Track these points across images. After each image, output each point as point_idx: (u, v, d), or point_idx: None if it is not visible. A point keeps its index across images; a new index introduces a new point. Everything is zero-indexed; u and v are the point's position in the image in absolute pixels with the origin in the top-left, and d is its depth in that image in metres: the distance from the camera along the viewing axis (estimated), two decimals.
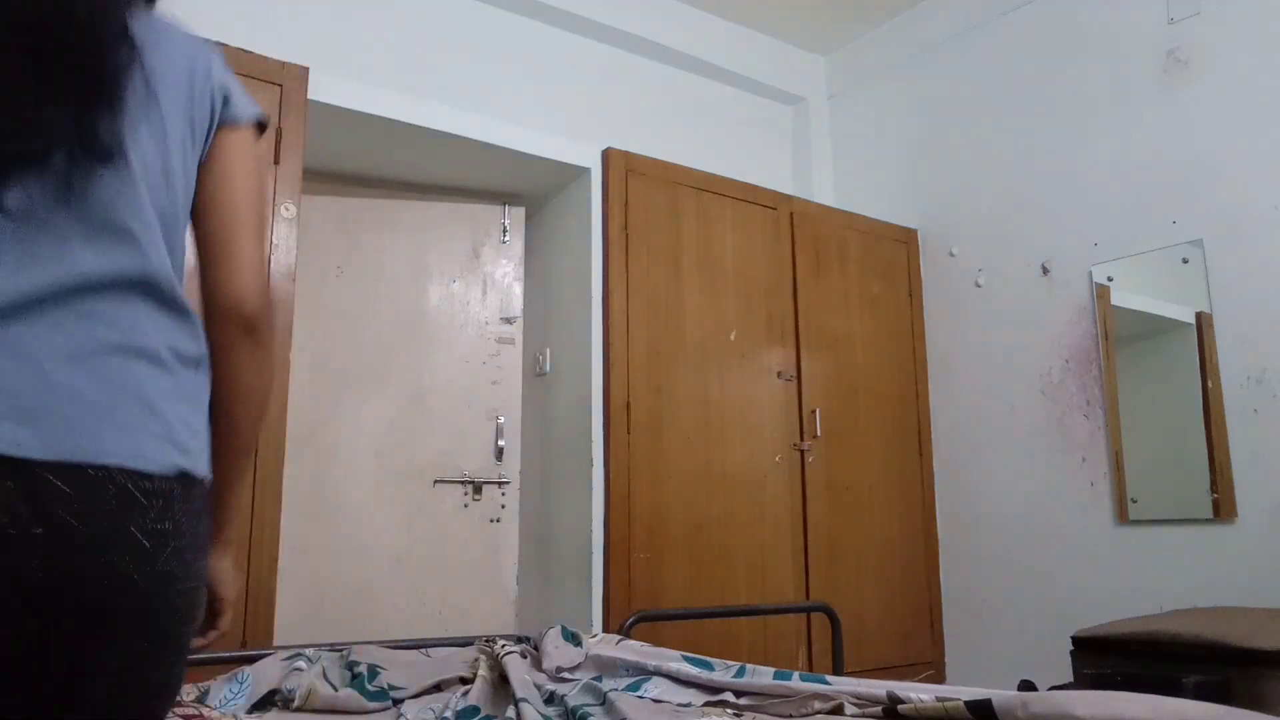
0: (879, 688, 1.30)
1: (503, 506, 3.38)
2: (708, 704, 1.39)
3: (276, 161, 2.47)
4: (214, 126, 0.97)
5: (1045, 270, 3.42)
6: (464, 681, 1.49)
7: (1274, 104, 2.86)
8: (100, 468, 0.77)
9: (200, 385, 0.91)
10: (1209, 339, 2.93)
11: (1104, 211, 3.26)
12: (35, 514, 0.73)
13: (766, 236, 3.54)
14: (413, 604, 3.20)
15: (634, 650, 1.60)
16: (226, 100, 0.98)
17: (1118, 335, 3.19)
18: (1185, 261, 3.02)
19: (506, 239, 3.59)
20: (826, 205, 3.89)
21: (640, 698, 1.40)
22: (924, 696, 1.22)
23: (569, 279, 3.41)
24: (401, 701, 1.41)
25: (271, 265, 2.42)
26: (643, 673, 1.51)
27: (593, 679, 1.48)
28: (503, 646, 1.56)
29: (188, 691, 1.38)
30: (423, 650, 1.68)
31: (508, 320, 3.52)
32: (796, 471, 3.43)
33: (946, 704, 1.15)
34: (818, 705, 1.30)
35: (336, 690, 1.38)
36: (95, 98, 0.82)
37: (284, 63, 2.54)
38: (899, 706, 1.22)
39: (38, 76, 0.80)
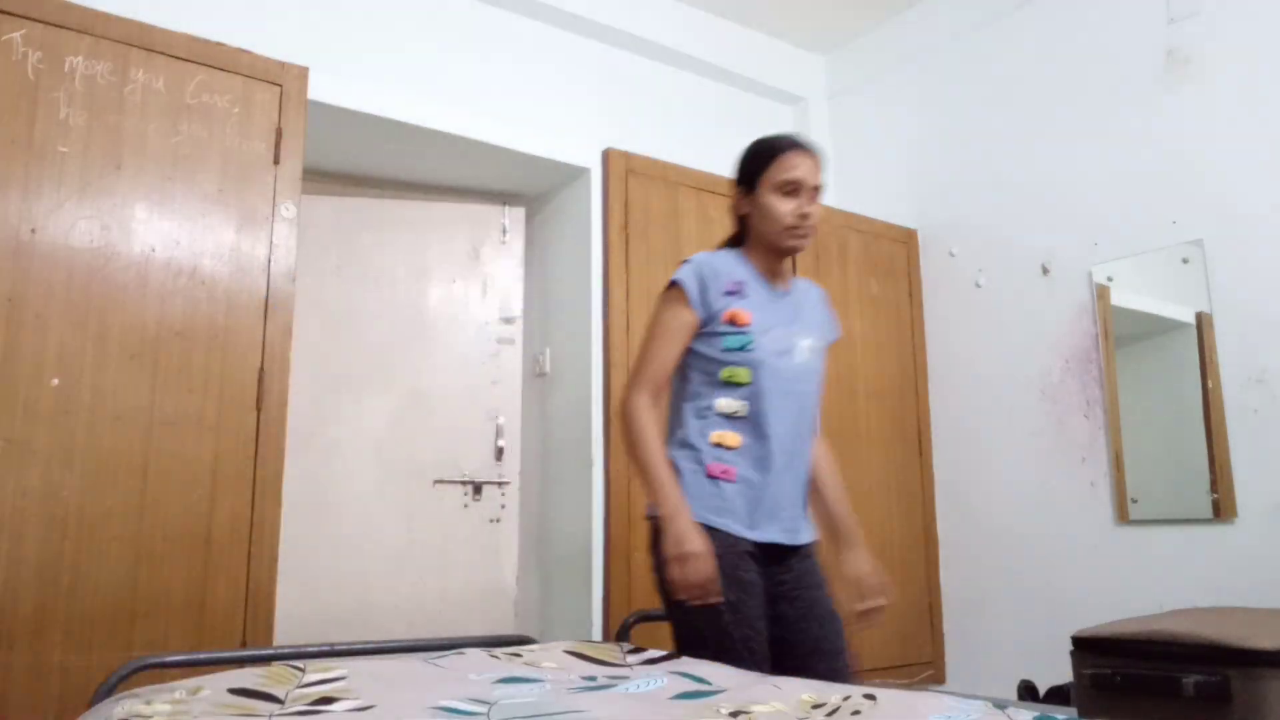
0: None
1: (503, 507, 3.38)
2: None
3: (276, 161, 2.47)
4: None
5: (1045, 270, 3.42)
6: None
7: (1274, 104, 2.86)
8: None
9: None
10: (1209, 339, 2.93)
11: (1104, 211, 3.26)
12: None
13: None
14: (412, 604, 3.20)
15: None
16: None
17: (1118, 335, 3.19)
18: (1185, 261, 3.02)
19: (506, 239, 3.59)
20: (827, 205, 3.89)
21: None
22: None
23: (569, 279, 3.41)
24: None
25: (271, 265, 2.42)
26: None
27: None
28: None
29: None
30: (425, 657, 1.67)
31: (507, 320, 3.52)
32: None
33: None
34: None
35: None
36: None
37: (284, 63, 2.54)
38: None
39: None
